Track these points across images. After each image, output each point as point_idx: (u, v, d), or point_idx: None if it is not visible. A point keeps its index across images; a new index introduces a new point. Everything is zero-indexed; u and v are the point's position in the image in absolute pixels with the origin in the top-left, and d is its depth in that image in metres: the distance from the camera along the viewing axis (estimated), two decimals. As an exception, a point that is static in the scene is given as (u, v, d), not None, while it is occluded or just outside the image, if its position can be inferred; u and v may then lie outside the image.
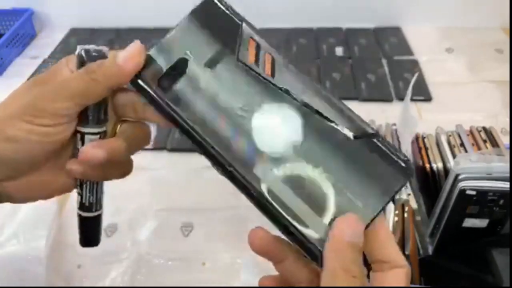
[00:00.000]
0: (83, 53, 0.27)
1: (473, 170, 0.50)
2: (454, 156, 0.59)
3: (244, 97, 0.26)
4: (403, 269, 0.25)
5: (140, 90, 0.27)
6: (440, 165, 0.60)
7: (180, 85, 0.26)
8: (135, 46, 0.27)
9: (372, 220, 0.24)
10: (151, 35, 1.09)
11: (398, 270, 0.25)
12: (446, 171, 0.58)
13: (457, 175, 0.51)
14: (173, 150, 0.78)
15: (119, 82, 0.27)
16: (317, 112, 0.25)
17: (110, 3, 1.12)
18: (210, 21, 0.27)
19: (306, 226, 0.24)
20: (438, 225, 0.55)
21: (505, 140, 0.61)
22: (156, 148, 0.79)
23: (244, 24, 0.28)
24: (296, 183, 0.24)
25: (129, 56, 0.27)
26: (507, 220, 0.52)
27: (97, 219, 0.31)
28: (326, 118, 0.25)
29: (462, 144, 0.61)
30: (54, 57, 1.05)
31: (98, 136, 0.29)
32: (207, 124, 0.25)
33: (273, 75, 0.26)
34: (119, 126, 0.30)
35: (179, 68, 0.26)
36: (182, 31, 0.27)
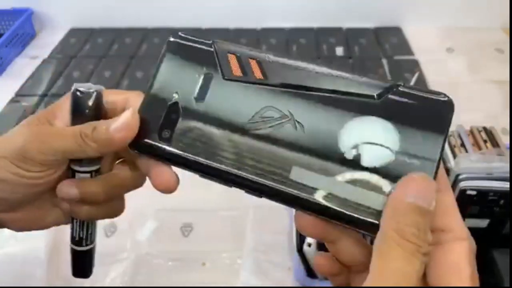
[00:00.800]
0: (78, 94, 0.27)
1: (474, 170, 0.50)
2: (454, 156, 0.59)
3: (247, 112, 0.24)
4: (466, 241, 0.21)
5: (144, 152, 0.26)
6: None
7: (181, 130, 0.25)
8: (129, 117, 0.26)
9: (436, 172, 0.22)
10: (151, 35, 1.10)
11: (461, 243, 0.21)
12: (447, 171, 0.58)
13: (457, 175, 0.51)
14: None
15: (110, 150, 0.27)
16: (328, 90, 0.24)
17: (110, 3, 1.12)
18: (182, 57, 0.26)
19: (362, 211, 0.22)
20: (439, 225, 0.55)
21: (506, 140, 0.61)
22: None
23: (215, 45, 0.26)
24: (339, 170, 0.23)
25: (121, 128, 0.26)
26: (508, 220, 0.52)
27: (87, 253, 0.31)
28: (339, 92, 0.24)
29: (462, 144, 0.61)
30: (54, 57, 1.05)
31: (89, 174, 0.29)
32: (226, 157, 0.24)
33: (265, 76, 0.25)
34: (116, 163, 0.31)
35: (172, 115, 0.25)
36: (161, 77, 0.26)
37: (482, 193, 0.49)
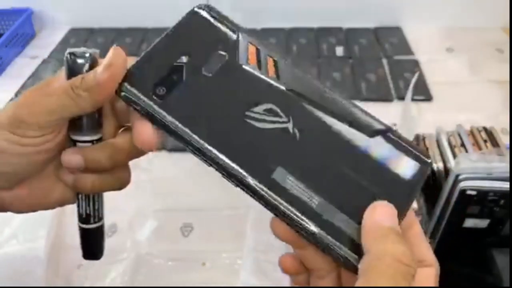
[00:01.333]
0: (71, 57, 0.26)
1: (474, 170, 0.50)
2: (454, 156, 0.59)
3: (250, 101, 0.24)
4: (432, 268, 0.24)
5: (130, 103, 0.25)
6: (440, 165, 0.60)
7: (177, 94, 0.24)
8: (113, 53, 0.25)
9: (402, 215, 0.23)
10: (151, 35, 1.09)
11: (427, 269, 0.24)
12: (447, 171, 0.58)
13: (457, 175, 0.51)
14: (173, 150, 0.78)
15: (102, 96, 0.25)
16: (327, 111, 0.25)
17: (110, 3, 1.12)
18: (202, 29, 0.26)
19: (336, 235, 0.23)
20: (439, 226, 0.55)
21: (506, 140, 0.61)
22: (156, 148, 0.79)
23: (240, 32, 0.26)
24: (317, 188, 0.23)
25: (106, 67, 0.25)
26: (508, 220, 0.52)
27: (96, 232, 0.30)
28: (337, 117, 0.25)
29: (462, 144, 0.61)
30: (54, 57, 1.05)
31: (90, 143, 0.28)
32: (212, 134, 0.24)
33: (278, 77, 0.25)
34: (119, 132, 0.29)
35: (174, 75, 0.24)
36: (172, 39, 0.25)
37: (482, 193, 0.49)
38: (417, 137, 0.64)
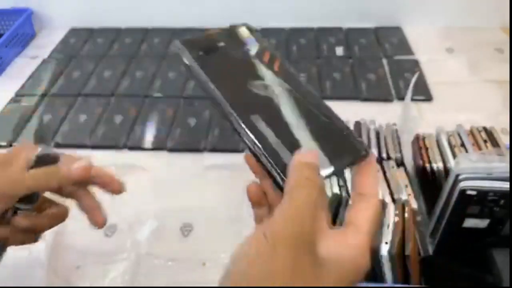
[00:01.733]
0: (40, 155, 0.39)
1: (474, 170, 0.50)
2: (454, 156, 0.59)
3: (253, 77, 0.35)
4: (373, 199, 0.29)
5: (181, 57, 0.36)
6: (440, 165, 0.60)
7: (211, 59, 0.36)
8: (83, 162, 0.40)
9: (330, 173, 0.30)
10: (151, 35, 1.09)
11: (366, 203, 0.29)
12: (447, 171, 0.58)
13: (457, 175, 0.51)
14: (173, 150, 0.78)
15: (60, 183, 0.39)
16: (303, 97, 0.34)
17: (110, 3, 1.12)
18: (238, 34, 0.39)
19: (279, 164, 0.30)
20: (439, 225, 0.55)
21: (506, 140, 0.61)
22: (156, 148, 0.79)
23: (261, 41, 0.38)
24: (278, 133, 0.31)
25: (74, 166, 0.39)
26: (508, 220, 0.52)
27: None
28: (308, 102, 0.34)
29: (462, 144, 0.61)
30: (54, 57, 1.05)
31: (27, 211, 0.40)
32: (223, 86, 0.34)
33: (278, 70, 0.36)
34: (44, 204, 0.42)
35: (212, 48, 0.37)
36: (218, 34, 0.38)
37: (482, 193, 0.49)
38: (417, 137, 0.64)
